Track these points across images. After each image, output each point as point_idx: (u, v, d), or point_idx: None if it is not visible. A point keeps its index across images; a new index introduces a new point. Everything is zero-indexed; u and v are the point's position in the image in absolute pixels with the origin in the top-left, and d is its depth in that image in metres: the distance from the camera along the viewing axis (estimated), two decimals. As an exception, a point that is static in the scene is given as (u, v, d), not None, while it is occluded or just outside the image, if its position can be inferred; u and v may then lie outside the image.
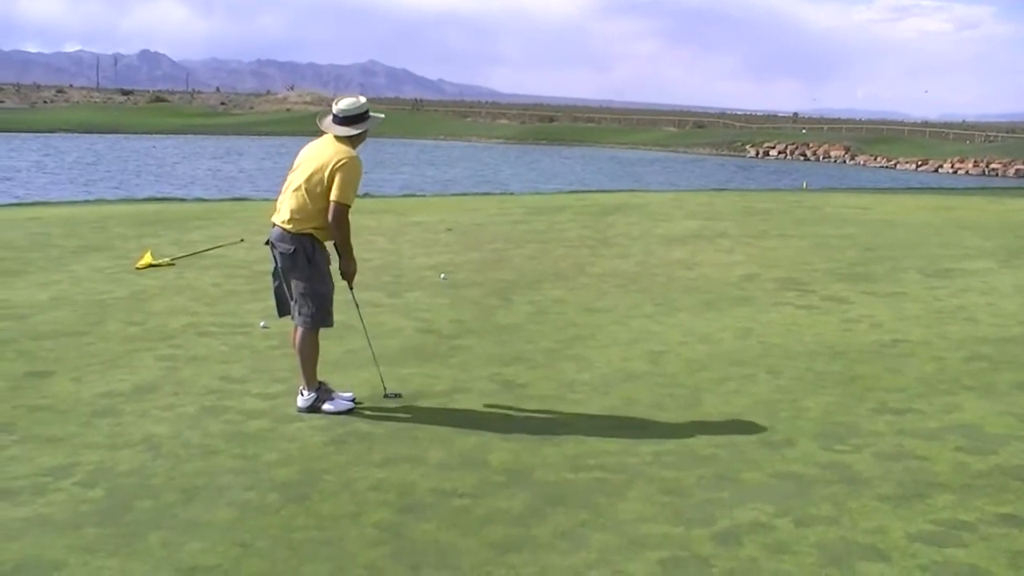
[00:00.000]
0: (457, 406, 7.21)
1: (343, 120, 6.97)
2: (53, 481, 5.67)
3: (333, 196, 6.77)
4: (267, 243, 7.12)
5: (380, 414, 6.99)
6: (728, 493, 5.62)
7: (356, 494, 5.56)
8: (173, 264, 12.88)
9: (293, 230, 6.87)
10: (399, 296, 11.13)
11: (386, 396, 7.36)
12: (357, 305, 7.42)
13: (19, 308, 10.02)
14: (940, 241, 16.24)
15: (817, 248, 15.16)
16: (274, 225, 7.00)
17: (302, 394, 7.09)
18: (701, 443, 6.45)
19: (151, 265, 12.65)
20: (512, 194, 29.85)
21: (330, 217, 6.80)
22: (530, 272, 12.84)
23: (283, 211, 6.93)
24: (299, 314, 7.02)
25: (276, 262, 7.07)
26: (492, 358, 8.57)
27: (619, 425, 6.81)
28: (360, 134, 7.01)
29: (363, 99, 7.18)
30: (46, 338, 8.91)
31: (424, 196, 28.07)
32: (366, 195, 27.41)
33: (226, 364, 8.24)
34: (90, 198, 26.66)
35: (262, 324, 9.48)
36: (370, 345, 7.60)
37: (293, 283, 6.98)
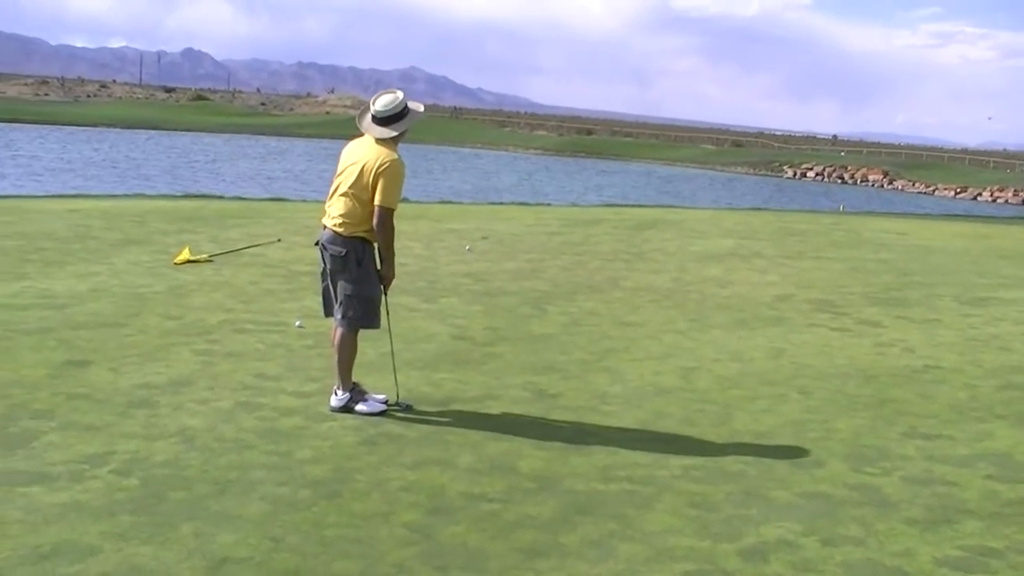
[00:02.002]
0: (489, 412, 7.26)
1: (383, 120, 6.99)
2: (90, 468, 5.76)
3: (377, 200, 6.84)
4: (317, 244, 7.21)
5: (412, 417, 7.05)
6: (755, 510, 5.64)
7: (387, 494, 5.62)
8: (211, 260, 13.01)
9: (345, 233, 6.94)
10: (434, 301, 11.20)
11: (397, 405, 7.29)
12: (388, 311, 7.43)
13: (59, 298, 10.16)
14: (976, 269, 16.17)
15: (853, 271, 15.13)
16: (324, 227, 7.08)
17: (336, 394, 7.16)
18: (730, 459, 6.47)
19: (189, 261, 12.78)
20: (549, 205, 29.92)
21: (375, 221, 6.88)
22: (565, 283, 12.89)
23: (333, 214, 7.00)
24: (343, 316, 7.08)
25: (325, 263, 7.13)
26: (525, 367, 8.62)
27: (649, 438, 6.84)
28: (401, 134, 7.02)
29: (400, 94, 7.16)
30: (85, 328, 9.03)
31: (461, 204, 28.15)
32: (403, 200, 27.58)
33: (261, 361, 8.33)
34: (130, 192, 26.89)
35: (297, 323, 9.57)
36: (392, 352, 7.60)
37: (340, 285, 7.05)
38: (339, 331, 7.14)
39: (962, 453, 6.81)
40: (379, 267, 7.16)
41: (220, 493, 5.50)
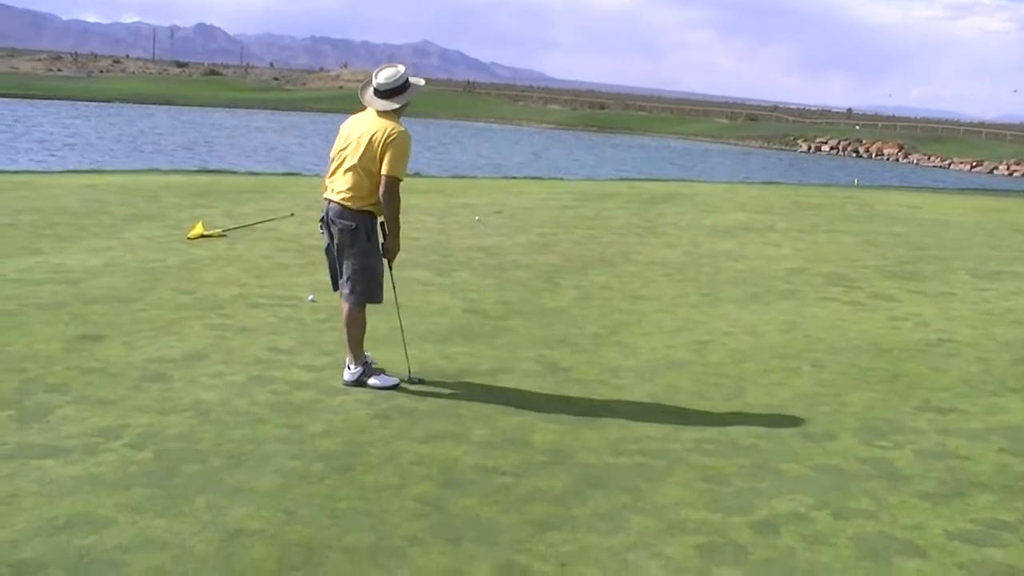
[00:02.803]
0: (501, 386, 7.27)
1: (385, 93, 7.02)
2: (104, 442, 5.79)
3: (385, 170, 6.85)
4: (321, 220, 7.18)
5: (425, 391, 7.06)
6: (767, 483, 5.65)
7: (399, 467, 5.64)
8: (224, 235, 13.03)
9: (353, 207, 6.94)
10: (447, 275, 11.21)
11: (408, 379, 7.29)
12: (395, 285, 7.45)
13: (73, 273, 10.19)
14: (991, 243, 16.11)
15: (866, 245, 15.08)
16: (329, 202, 7.06)
17: (349, 368, 7.18)
18: (742, 433, 6.47)
19: (203, 235, 12.80)
20: (561, 179, 29.87)
21: (381, 191, 6.88)
22: (577, 257, 12.88)
23: (339, 188, 6.98)
24: (350, 291, 7.11)
25: (332, 238, 7.12)
26: (537, 340, 8.62)
27: (661, 411, 6.85)
28: (403, 107, 7.06)
29: (402, 68, 7.19)
30: (99, 303, 9.06)
31: (474, 178, 28.13)
32: (416, 175, 27.53)
33: (274, 335, 8.35)
34: (144, 167, 26.92)
35: (310, 298, 9.59)
36: (401, 326, 7.66)
37: (348, 259, 7.05)
38: (347, 307, 7.14)
39: (975, 426, 6.80)
40: (383, 240, 7.15)
41: (233, 466, 5.53)
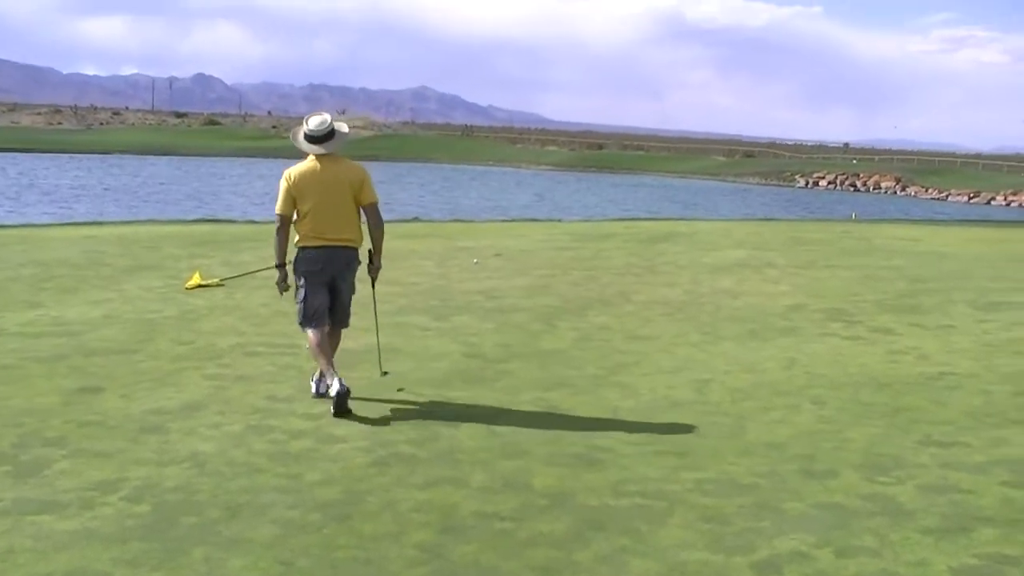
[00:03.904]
0: (501, 430, 7.22)
1: (319, 139, 7.65)
2: (101, 495, 5.76)
3: (369, 200, 7.77)
4: (319, 268, 7.71)
5: (423, 437, 7.02)
6: (769, 522, 5.60)
7: (398, 515, 5.60)
8: (223, 284, 13.04)
9: (354, 246, 7.82)
10: (446, 320, 11.19)
11: (383, 374, 8.37)
12: (375, 301, 8.37)
13: (72, 325, 10.20)
14: (991, 274, 16.09)
15: (865, 279, 15.07)
16: (334, 248, 7.70)
17: (340, 381, 7.46)
18: (743, 471, 6.43)
19: (200, 285, 12.81)
20: (560, 220, 29.92)
21: (372, 219, 7.85)
22: (576, 299, 12.87)
23: (343, 235, 7.71)
24: (344, 319, 8.09)
25: (334, 278, 7.80)
26: (536, 383, 8.60)
27: (661, 452, 6.80)
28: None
29: (328, 116, 7.81)
30: (97, 355, 9.06)
31: (472, 221, 28.18)
32: (415, 219, 27.60)
33: (273, 384, 8.33)
34: (143, 218, 27.00)
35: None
36: (376, 328, 8.54)
37: (344, 292, 7.93)
38: (338, 330, 8.04)
39: (978, 460, 6.75)
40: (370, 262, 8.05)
41: (231, 517, 5.50)
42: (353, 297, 8.12)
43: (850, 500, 5.96)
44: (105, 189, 44.73)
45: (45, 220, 27.23)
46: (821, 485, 6.21)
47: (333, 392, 7.42)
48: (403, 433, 7.08)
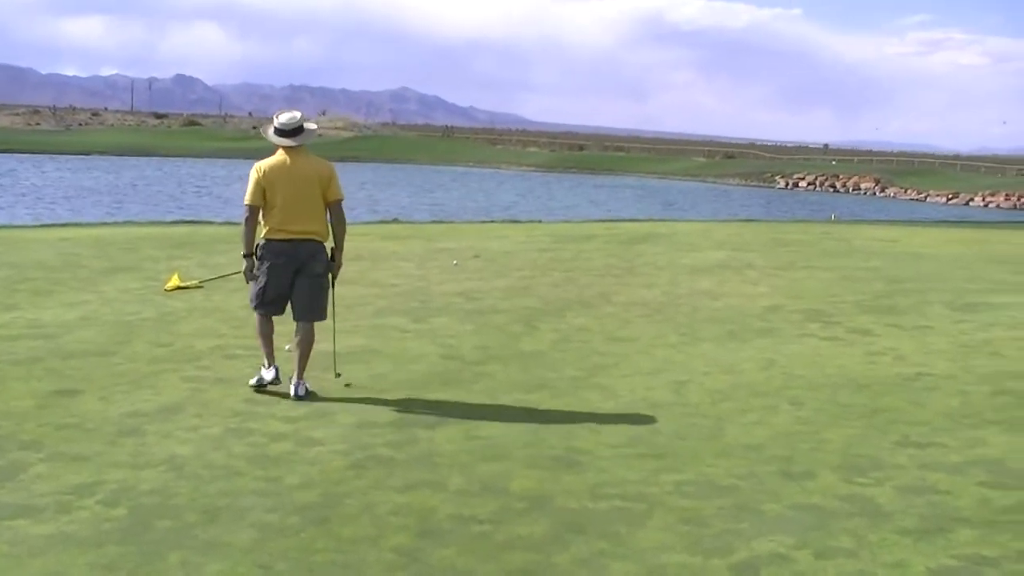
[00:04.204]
0: (479, 432, 7.21)
1: (289, 133, 7.99)
2: (77, 499, 5.73)
3: (335, 196, 8.02)
4: (281, 261, 7.92)
5: (402, 440, 7.01)
6: (747, 524, 5.61)
7: (376, 518, 5.58)
8: (201, 286, 12.99)
9: (319, 239, 8.00)
10: (425, 322, 11.17)
11: (337, 376, 8.43)
12: (333, 304, 8.37)
13: (48, 328, 10.13)
14: (968, 275, 16.16)
15: (843, 280, 15.12)
16: (298, 241, 7.88)
17: (304, 386, 7.98)
18: (721, 473, 6.44)
19: (179, 287, 12.76)
20: (540, 222, 29.92)
21: (336, 215, 8.05)
22: (555, 300, 12.87)
23: (308, 228, 7.91)
24: (313, 312, 8.10)
25: (293, 270, 7.94)
26: (515, 385, 8.59)
27: (640, 454, 6.80)
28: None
29: (298, 113, 8.21)
30: (74, 357, 9.00)
31: (453, 223, 28.16)
32: (395, 220, 27.54)
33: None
34: (120, 220, 26.87)
35: (288, 347, 9.53)
36: (334, 327, 8.53)
37: (309, 287, 8.00)
38: (307, 326, 8.09)
39: (955, 460, 6.78)
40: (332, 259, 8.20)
41: (209, 521, 5.47)
42: (334, 295, 8.35)
43: (828, 501, 5.98)
44: (87, 190, 44.47)
45: (21, 221, 27.06)
46: (799, 486, 6.22)
47: (268, 379, 8.11)
48: (381, 436, 7.06)
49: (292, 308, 8.10)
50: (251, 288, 8.14)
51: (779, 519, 5.69)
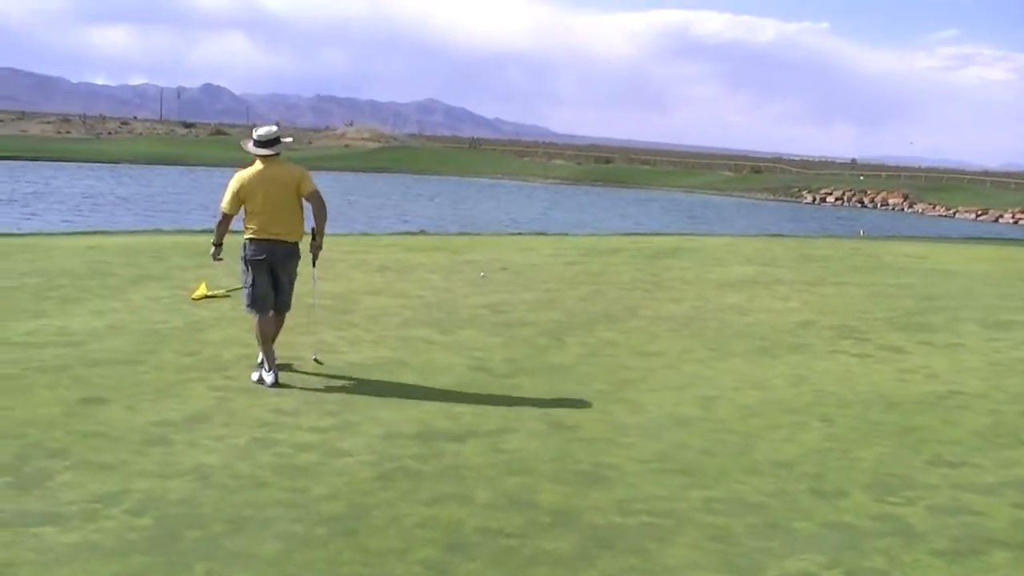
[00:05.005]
0: (506, 446, 7.17)
1: (266, 144, 8.94)
2: (103, 508, 5.72)
3: (310, 189, 8.90)
4: (257, 258, 8.79)
5: (429, 452, 6.97)
6: (778, 542, 5.55)
7: (403, 530, 5.55)
8: (228, 295, 12.98)
9: (293, 240, 8.91)
10: (452, 333, 11.13)
11: (315, 360, 9.33)
12: (315, 279, 9.51)
13: (76, 335, 10.15)
14: (999, 292, 16.03)
15: (874, 296, 15.01)
16: (275, 243, 8.78)
17: (271, 372, 8.70)
18: (751, 490, 6.38)
19: (207, 296, 12.77)
20: (567, 235, 29.86)
21: (315, 204, 8.92)
22: (582, 313, 12.81)
23: (283, 231, 8.81)
24: (286, 304, 9.04)
25: (276, 269, 8.85)
26: (543, 398, 8.54)
27: (669, 470, 6.75)
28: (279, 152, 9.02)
29: (275, 128, 9.25)
30: (101, 365, 9.01)
31: (480, 235, 28.13)
32: (422, 232, 27.54)
33: (278, 396, 8.28)
34: (149, 228, 26.98)
35: (314, 357, 9.53)
36: (316, 306, 9.88)
37: (287, 285, 8.98)
38: (278, 316, 9.01)
39: (988, 481, 6.69)
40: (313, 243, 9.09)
41: (235, 532, 5.45)
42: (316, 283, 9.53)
43: (860, 520, 5.91)
44: (118, 198, 44.71)
45: (52, 228, 27.22)
46: (830, 505, 6.15)
47: (269, 382, 8.63)
48: (408, 448, 7.03)
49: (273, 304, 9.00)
50: (243, 294, 9.03)
51: (810, 538, 5.62)
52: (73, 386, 8.29)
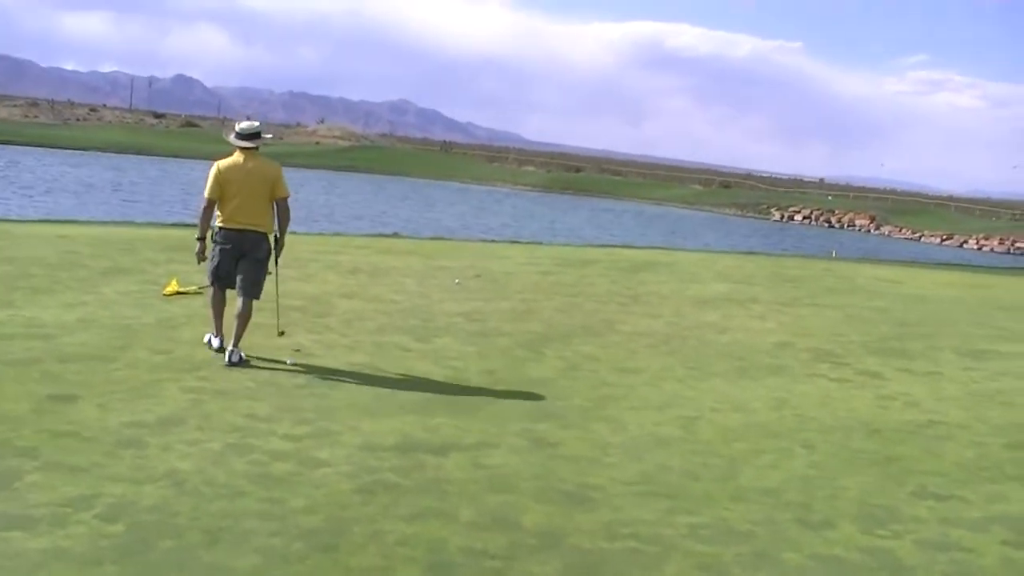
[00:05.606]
0: (488, 461, 7.02)
1: (247, 137, 9.40)
2: (74, 512, 5.53)
3: (281, 194, 9.42)
4: (220, 242, 9.33)
5: (408, 464, 6.81)
6: (766, 573, 5.44)
7: (384, 548, 5.39)
8: (200, 292, 12.75)
9: (262, 231, 9.36)
10: (428, 341, 10.97)
11: (280, 334, 10.06)
12: (277, 275, 9.85)
13: (47, 328, 9.91)
14: (973, 320, 16.06)
15: (849, 319, 14.98)
16: (243, 231, 9.26)
17: (239, 354, 9.17)
18: (738, 517, 6.26)
19: (178, 292, 12.55)
20: (540, 243, 29.73)
21: (282, 209, 9.43)
22: (560, 325, 12.68)
23: (252, 220, 9.28)
24: (253, 289, 9.38)
25: (242, 252, 9.32)
26: (523, 413, 8.39)
27: (653, 493, 6.62)
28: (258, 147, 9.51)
29: (257, 123, 9.81)
30: (72, 361, 8.78)
31: (452, 240, 27.94)
32: (395, 235, 27.35)
33: (252, 400, 8.09)
34: (119, 219, 26.60)
35: (289, 360, 9.36)
36: (277, 304, 10.11)
37: (252, 268, 9.36)
38: (246, 301, 9.34)
39: (976, 516, 6.61)
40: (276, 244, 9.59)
41: (211, 543, 5.27)
42: (278, 273, 9.84)
43: (849, 553, 5.81)
44: (85, 186, 44.19)
45: (20, 215, 26.82)
46: (819, 536, 6.05)
47: (215, 347, 9.49)
48: (387, 460, 6.87)
49: (237, 285, 9.40)
50: (207, 266, 9.51)
51: (799, 570, 5.52)
52: (43, 381, 8.07)
